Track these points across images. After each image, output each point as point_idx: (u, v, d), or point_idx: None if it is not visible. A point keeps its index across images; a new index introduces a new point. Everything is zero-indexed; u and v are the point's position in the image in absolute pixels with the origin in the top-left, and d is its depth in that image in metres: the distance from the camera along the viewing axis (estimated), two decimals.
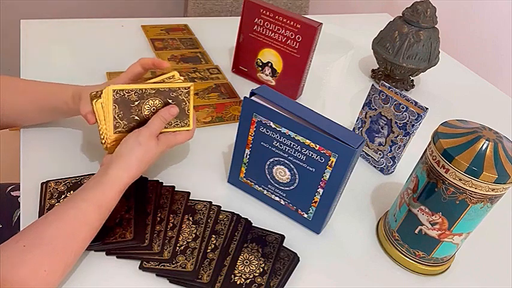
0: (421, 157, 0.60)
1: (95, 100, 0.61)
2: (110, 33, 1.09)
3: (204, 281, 0.55)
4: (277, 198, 0.68)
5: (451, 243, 0.60)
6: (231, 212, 0.66)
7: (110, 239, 0.58)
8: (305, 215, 0.66)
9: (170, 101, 0.64)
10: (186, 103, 0.66)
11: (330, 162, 0.58)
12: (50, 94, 0.68)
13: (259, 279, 0.57)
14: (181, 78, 0.67)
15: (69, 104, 0.66)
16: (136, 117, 0.63)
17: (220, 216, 0.65)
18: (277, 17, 0.88)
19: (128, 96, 0.61)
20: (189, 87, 0.65)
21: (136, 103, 0.62)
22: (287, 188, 0.65)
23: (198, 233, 0.61)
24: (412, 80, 1.11)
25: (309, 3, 1.80)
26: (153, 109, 0.64)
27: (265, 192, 0.68)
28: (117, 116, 0.61)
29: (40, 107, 0.69)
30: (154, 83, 0.64)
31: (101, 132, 0.63)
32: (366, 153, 0.82)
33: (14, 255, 0.48)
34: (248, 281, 0.57)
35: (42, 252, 0.49)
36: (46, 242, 0.50)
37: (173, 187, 0.68)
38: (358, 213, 0.72)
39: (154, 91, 0.63)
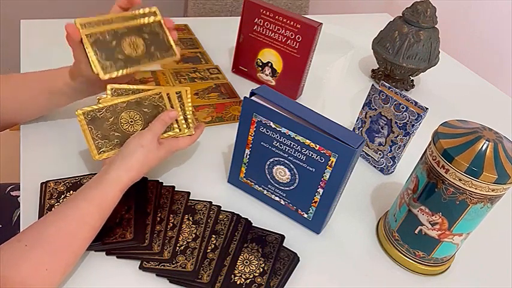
0: (421, 157, 0.60)
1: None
2: None
3: (204, 281, 0.55)
4: (277, 198, 0.68)
5: (451, 243, 0.60)
6: (231, 212, 0.66)
7: (109, 239, 0.58)
8: (305, 215, 0.66)
9: (145, 110, 0.64)
10: (162, 108, 0.65)
11: (330, 162, 0.58)
12: (49, 76, 0.68)
13: (259, 279, 0.57)
14: (158, 15, 0.68)
15: (68, 82, 0.66)
16: (116, 134, 0.63)
17: (220, 216, 0.65)
18: (277, 17, 0.88)
19: (100, 115, 0.61)
20: (160, 93, 0.65)
21: (111, 119, 0.62)
22: (287, 188, 0.65)
23: (198, 233, 0.61)
24: (412, 80, 1.11)
25: (309, 3, 1.80)
26: (131, 121, 0.64)
27: (265, 192, 0.68)
28: (96, 136, 0.62)
29: (40, 93, 0.69)
30: (126, 95, 0.63)
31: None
32: (366, 153, 0.82)
33: (15, 254, 0.48)
34: (248, 281, 0.57)
35: (44, 251, 0.50)
36: (47, 241, 0.50)
37: (173, 187, 0.68)
38: (358, 213, 0.72)
39: (125, 104, 0.63)
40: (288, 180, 0.64)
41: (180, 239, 0.60)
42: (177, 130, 0.67)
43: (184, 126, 0.67)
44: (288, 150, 0.61)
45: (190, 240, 0.60)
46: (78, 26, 0.60)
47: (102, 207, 0.55)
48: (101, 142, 0.62)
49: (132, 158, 0.59)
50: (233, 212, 0.65)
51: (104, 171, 0.58)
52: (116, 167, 0.58)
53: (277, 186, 0.66)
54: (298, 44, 0.89)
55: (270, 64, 0.95)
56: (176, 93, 0.66)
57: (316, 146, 0.58)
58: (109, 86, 0.63)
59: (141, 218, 0.61)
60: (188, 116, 0.67)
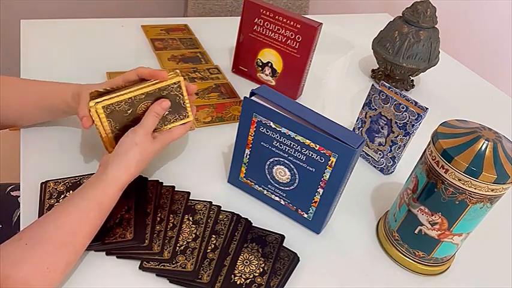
0: (421, 157, 0.60)
1: (92, 103, 0.59)
2: (110, 33, 1.09)
3: (204, 281, 0.55)
4: (277, 198, 0.68)
5: (451, 243, 0.60)
6: (231, 212, 0.66)
7: (110, 239, 0.58)
8: (305, 215, 0.66)
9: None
10: (180, 97, 0.66)
11: (330, 162, 0.58)
12: (50, 94, 0.68)
13: (259, 279, 0.57)
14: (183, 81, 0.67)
15: (69, 103, 0.66)
16: (133, 124, 0.63)
17: (220, 216, 0.65)
18: (277, 17, 0.88)
19: (119, 108, 0.61)
20: (178, 82, 0.65)
21: (129, 111, 0.62)
22: (287, 188, 0.65)
23: (198, 233, 0.61)
24: (412, 80, 1.11)
25: (309, 3, 1.80)
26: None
27: (265, 192, 0.68)
28: (115, 128, 0.62)
29: (40, 106, 0.69)
30: (144, 87, 0.63)
31: (101, 136, 0.63)
32: (366, 153, 0.82)
33: (16, 253, 0.48)
34: (248, 281, 0.57)
35: (44, 250, 0.50)
36: (48, 240, 0.51)
37: (173, 187, 0.68)
38: (358, 213, 0.72)
39: (144, 95, 0.63)
40: (288, 180, 0.64)
41: (180, 239, 0.60)
42: (191, 117, 0.69)
43: (187, 112, 0.69)
44: (288, 150, 0.61)
45: (190, 240, 0.60)
46: (93, 108, 0.59)
47: (102, 205, 0.55)
48: (118, 133, 0.62)
49: (128, 156, 0.59)
50: (233, 212, 0.66)
51: (101, 171, 0.58)
52: (113, 167, 0.58)
53: (277, 186, 0.66)
54: (298, 44, 0.89)
55: (270, 64, 0.95)
56: (175, 83, 0.65)
57: (316, 146, 0.58)
58: (91, 97, 0.60)
59: (141, 218, 0.61)
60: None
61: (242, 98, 0.89)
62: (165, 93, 0.64)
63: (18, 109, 0.69)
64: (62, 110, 0.68)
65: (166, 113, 0.66)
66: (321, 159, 0.59)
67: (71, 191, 0.63)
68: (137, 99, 0.62)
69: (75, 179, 0.66)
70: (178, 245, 0.59)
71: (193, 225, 0.62)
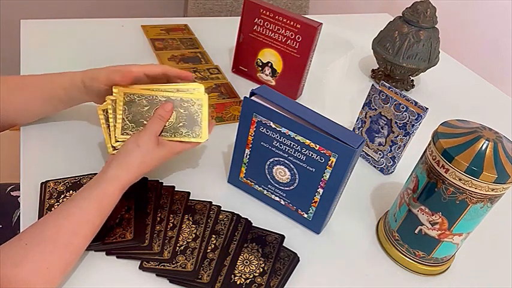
0: (421, 157, 0.60)
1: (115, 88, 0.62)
2: (110, 33, 1.09)
3: (204, 281, 0.55)
4: (277, 198, 0.68)
5: (451, 243, 0.60)
6: (231, 212, 0.66)
7: (110, 239, 0.58)
8: (305, 215, 0.66)
9: (181, 110, 0.65)
10: (198, 114, 0.66)
11: (330, 162, 0.58)
12: (47, 85, 0.68)
13: (259, 279, 0.57)
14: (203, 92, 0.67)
15: (67, 89, 0.66)
16: (145, 122, 0.64)
17: (220, 216, 0.65)
18: (277, 17, 0.88)
19: (138, 100, 0.62)
20: (200, 99, 0.66)
21: (146, 108, 0.63)
22: (287, 188, 0.65)
23: (198, 233, 0.61)
24: (412, 80, 1.11)
25: (309, 3, 1.80)
26: None
27: (265, 192, 0.68)
28: (126, 117, 0.63)
29: (38, 99, 0.69)
30: (169, 91, 0.65)
31: (108, 133, 0.64)
32: (366, 153, 0.82)
33: (16, 253, 0.49)
34: (248, 281, 0.57)
35: (44, 249, 0.50)
36: (48, 240, 0.51)
37: (173, 187, 0.68)
38: (358, 213, 0.72)
39: (165, 99, 0.64)
40: (288, 180, 0.64)
41: (180, 239, 0.60)
42: (198, 138, 0.65)
43: (201, 132, 0.66)
44: (288, 150, 0.61)
45: (190, 240, 0.60)
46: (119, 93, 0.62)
47: (102, 205, 0.55)
48: (127, 124, 0.63)
49: (129, 157, 0.59)
50: (233, 212, 0.65)
51: (102, 171, 0.58)
52: (114, 167, 0.58)
53: (277, 186, 0.66)
54: (298, 44, 0.89)
55: (270, 64, 0.95)
56: (197, 99, 0.66)
57: (316, 146, 0.58)
58: (115, 89, 0.63)
59: (141, 218, 0.61)
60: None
61: (242, 98, 0.89)
62: (186, 105, 0.65)
63: (18, 105, 0.68)
64: (61, 99, 0.69)
65: (180, 124, 0.65)
66: (321, 159, 0.59)
67: (71, 191, 0.63)
68: (157, 100, 0.64)
69: (75, 179, 0.66)
70: (178, 245, 0.59)
71: (193, 225, 0.62)
